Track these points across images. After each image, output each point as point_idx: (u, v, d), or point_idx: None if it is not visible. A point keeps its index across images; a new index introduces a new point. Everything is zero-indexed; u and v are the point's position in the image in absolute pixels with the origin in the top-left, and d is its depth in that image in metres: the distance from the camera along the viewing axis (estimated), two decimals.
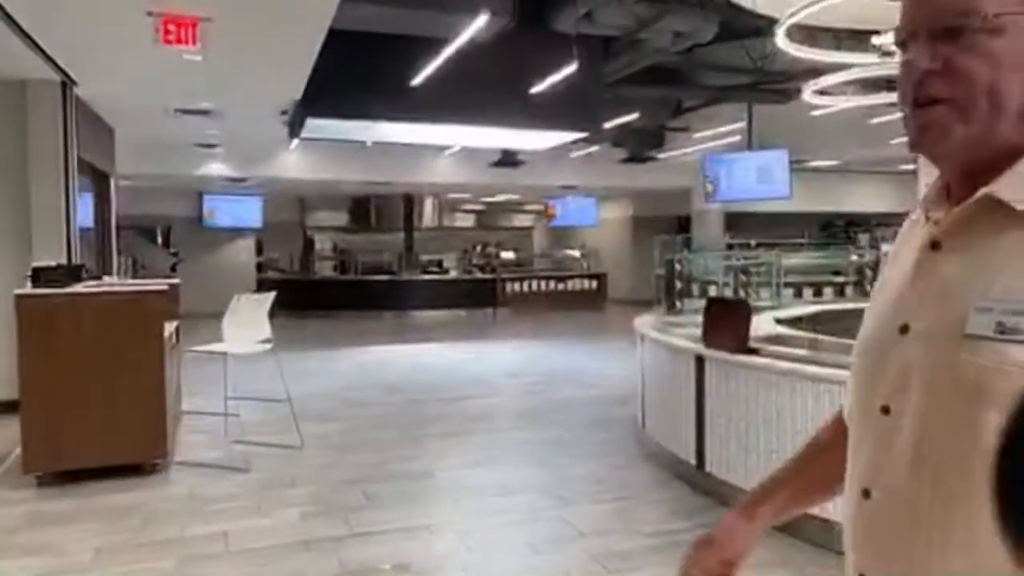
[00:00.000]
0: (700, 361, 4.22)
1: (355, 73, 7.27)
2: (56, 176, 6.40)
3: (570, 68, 6.75)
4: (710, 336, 4.11)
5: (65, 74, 6.22)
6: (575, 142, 10.02)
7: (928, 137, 0.71)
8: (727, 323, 4.00)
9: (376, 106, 7.57)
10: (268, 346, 5.20)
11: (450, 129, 8.64)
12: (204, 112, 7.76)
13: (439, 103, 7.68)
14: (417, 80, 7.25)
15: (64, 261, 6.33)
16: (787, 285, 8.15)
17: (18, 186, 6.32)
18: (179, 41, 4.65)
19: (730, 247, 12.04)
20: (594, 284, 15.65)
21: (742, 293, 7.97)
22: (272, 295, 5.21)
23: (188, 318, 6.29)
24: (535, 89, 7.48)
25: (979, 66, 0.67)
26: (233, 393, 5.14)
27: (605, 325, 13.46)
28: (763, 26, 6.69)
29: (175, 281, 5.69)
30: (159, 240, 11.14)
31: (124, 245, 9.99)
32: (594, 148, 11.74)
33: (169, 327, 5.07)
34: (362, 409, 6.61)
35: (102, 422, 4.43)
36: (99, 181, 8.62)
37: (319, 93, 7.12)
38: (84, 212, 8.85)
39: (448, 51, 6.28)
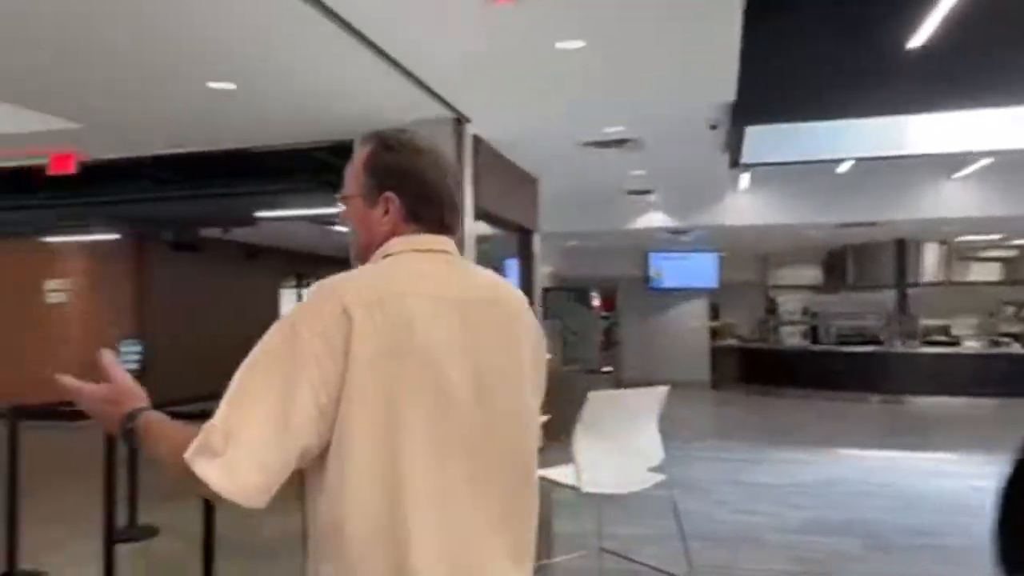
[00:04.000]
0: None
1: (809, 49, 4.86)
2: None
3: None
4: None
5: (454, 109, 5.29)
6: None
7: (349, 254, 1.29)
8: None
9: (845, 94, 5.00)
10: (657, 478, 3.10)
11: (974, 120, 5.48)
12: (619, 143, 6.23)
13: (955, 76, 4.75)
14: (917, 40, 4.50)
15: None
16: None
17: None
18: None
19: None
20: None
21: None
22: (663, 391, 3.13)
23: (631, 387, 4.59)
24: None
25: (347, 221, 1.27)
26: (609, 537, 3.19)
27: None
28: None
29: None
30: (593, 303, 10.21)
31: (553, 309, 9.12)
32: None
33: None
34: None
35: None
36: (522, 238, 7.83)
37: (759, 88, 4.91)
38: (510, 275, 8.23)
39: None
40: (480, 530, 1.11)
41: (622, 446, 2.95)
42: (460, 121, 5.47)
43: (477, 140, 5.77)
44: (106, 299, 10.96)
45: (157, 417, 1.12)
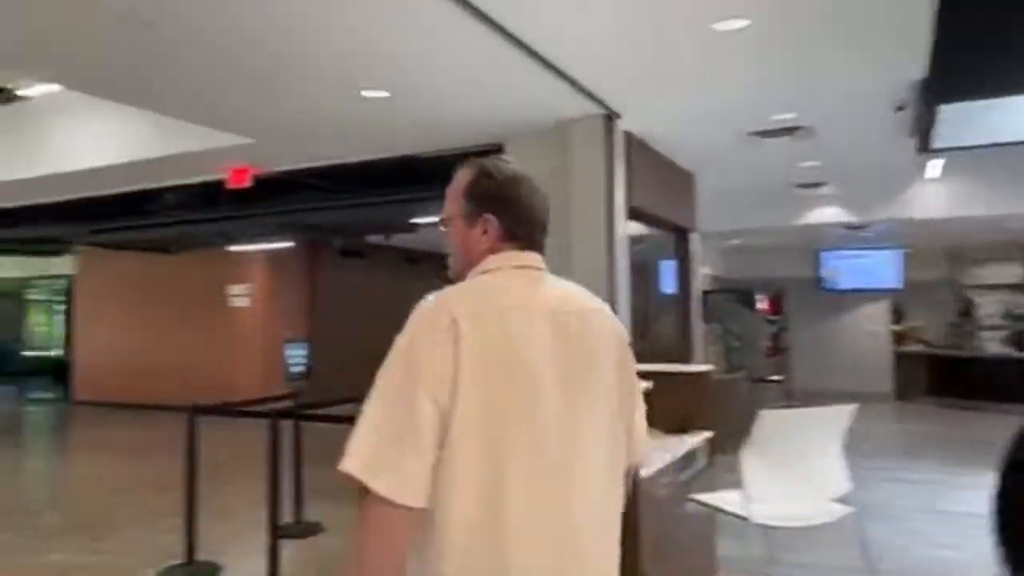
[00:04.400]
0: None
1: (1019, 8, 4.14)
2: (597, 229, 5.25)
3: None
4: None
5: (604, 105, 5.06)
6: None
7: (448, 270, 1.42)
8: None
9: None
10: (842, 510, 2.70)
11: None
12: (788, 131, 5.70)
13: None
14: None
15: None
16: None
17: (561, 249, 5.40)
18: None
19: None
20: None
21: None
22: (849, 410, 2.72)
23: (802, 398, 4.19)
24: None
25: (448, 239, 1.40)
26: (780, 565, 2.83)
27: None
28: None
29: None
30: (758, 306, 9.51)
31: (714, 312, 8.60)
32: None
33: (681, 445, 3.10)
34: None
35: None
36: (679, 238, 7.43)
37: (955, 59, 4.25)
38: (667, 276, 7.85)
39: None
40: (569, 532, 1.21)
41: (800, 473, 2.58)
42: (611, 117, 5.23)
43: (629, 136, 5.50)
44: (281, 303, 11.78)
45: None
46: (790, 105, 5.13)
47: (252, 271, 11.85)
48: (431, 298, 1.25)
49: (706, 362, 5.92)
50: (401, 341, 1.21)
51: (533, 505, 1.18)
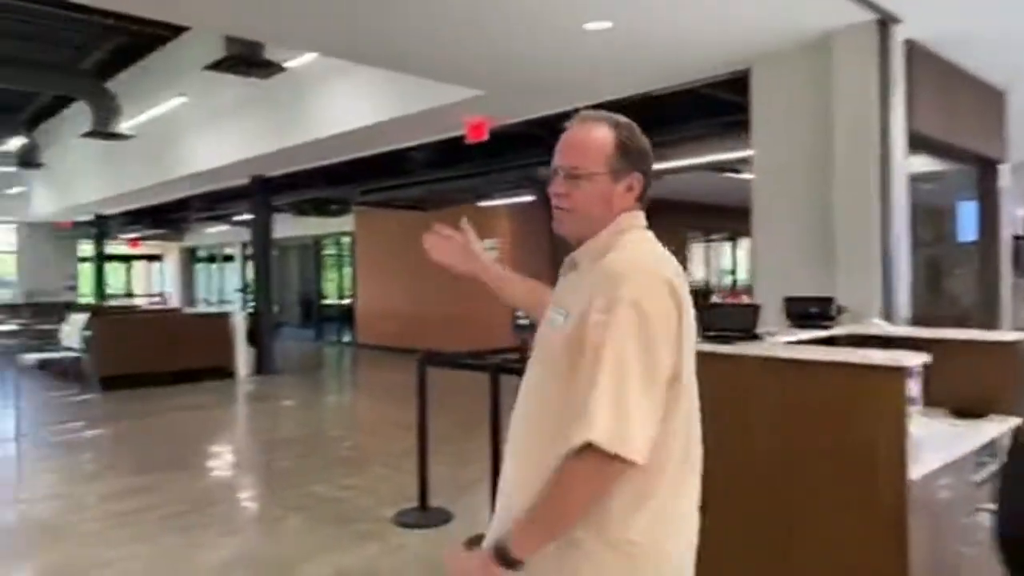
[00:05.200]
0: None
1: None
2: (868, 164, 4.35)
3: None
4: None
5: (878, 8, 4.12)
6: None
7: (556, 226, 1.39)
8: None
9: None
10: None
11: None
12: None
13: None
14: None
15: (878, 284, 4.29)
16: None
17: (820, 191, 4.57)
18: None
19: None
20: None
21: None
22: None
23: None
24: None
25: (579, 195, 1.34)
26: None
27: None
28: None
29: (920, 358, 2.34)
30: None
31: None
32: None
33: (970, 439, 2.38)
34: None
35: None
36: (983, 172, 6.06)
37: None
38: (966, 221, 6.49)
39: None
40: (696, 480, 1.37)
41: None
42: (886, 23, 4.26)
43: (911, 46, 4.45)
44: (524, 256, 11.96)
45: (524, 520, 1.23)
46: None
47: (500, 225, 12.18)
48: (645, 268, 1.26)
49: (1019, 328, 4.73)
50: (634, 307, 1.21)
51: (695, 462, 1.34)
